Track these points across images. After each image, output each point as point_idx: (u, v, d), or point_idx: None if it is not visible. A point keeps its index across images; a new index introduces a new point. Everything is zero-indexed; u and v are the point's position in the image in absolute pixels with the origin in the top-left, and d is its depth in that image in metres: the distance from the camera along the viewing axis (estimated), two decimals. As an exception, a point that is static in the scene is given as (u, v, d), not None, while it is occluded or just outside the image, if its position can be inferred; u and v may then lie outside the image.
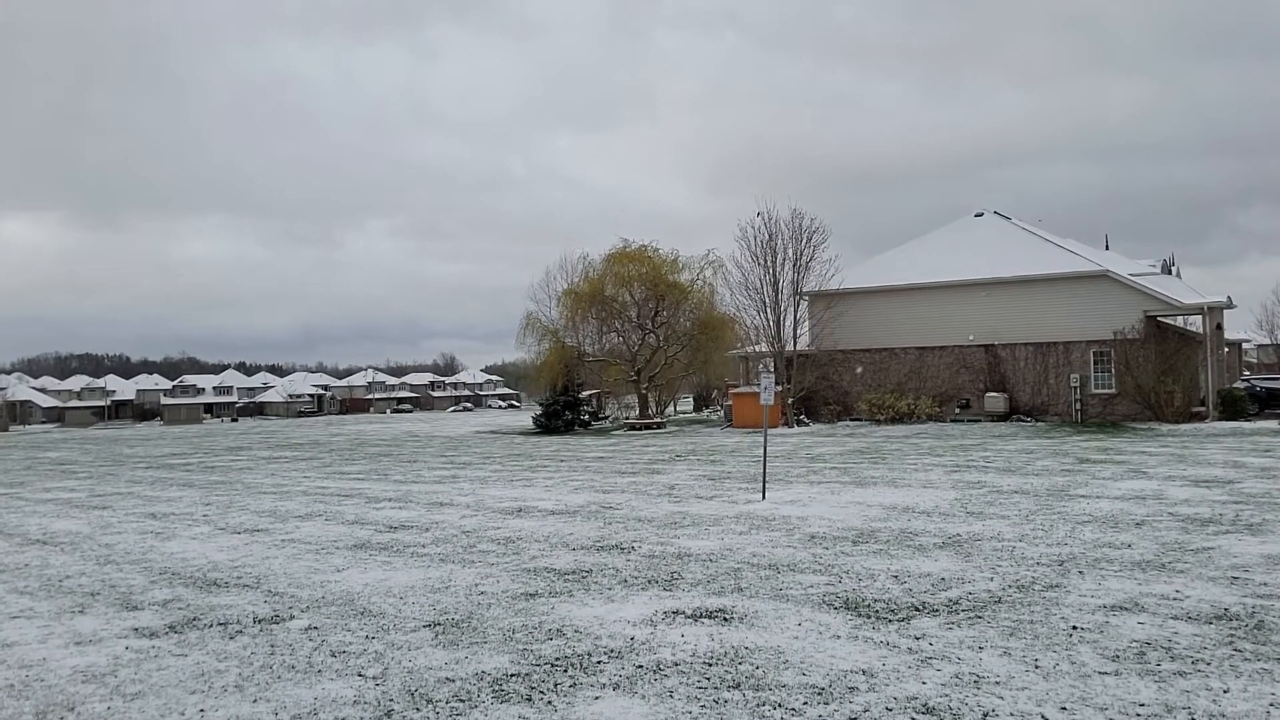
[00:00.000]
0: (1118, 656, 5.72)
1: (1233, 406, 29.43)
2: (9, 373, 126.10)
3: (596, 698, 5.31)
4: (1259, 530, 9.90)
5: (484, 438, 36.62)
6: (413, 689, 5.58)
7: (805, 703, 5.10)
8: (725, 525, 11.40)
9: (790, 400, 33.90)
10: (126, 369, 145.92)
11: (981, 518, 11.32)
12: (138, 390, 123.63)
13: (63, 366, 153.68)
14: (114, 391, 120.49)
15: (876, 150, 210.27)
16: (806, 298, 35.93)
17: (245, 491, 18.04)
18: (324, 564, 9.80)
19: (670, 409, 47.76)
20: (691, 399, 59.49)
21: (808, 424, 33.89)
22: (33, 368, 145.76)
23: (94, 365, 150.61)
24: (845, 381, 35.93)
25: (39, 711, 5.46)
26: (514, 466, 21.64)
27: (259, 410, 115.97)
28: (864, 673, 5.57)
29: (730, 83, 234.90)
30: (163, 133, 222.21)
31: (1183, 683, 5.23)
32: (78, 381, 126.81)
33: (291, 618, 7.45)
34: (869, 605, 7.17)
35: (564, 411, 38.84)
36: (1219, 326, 32.07)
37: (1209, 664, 5.54)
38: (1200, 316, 31.53)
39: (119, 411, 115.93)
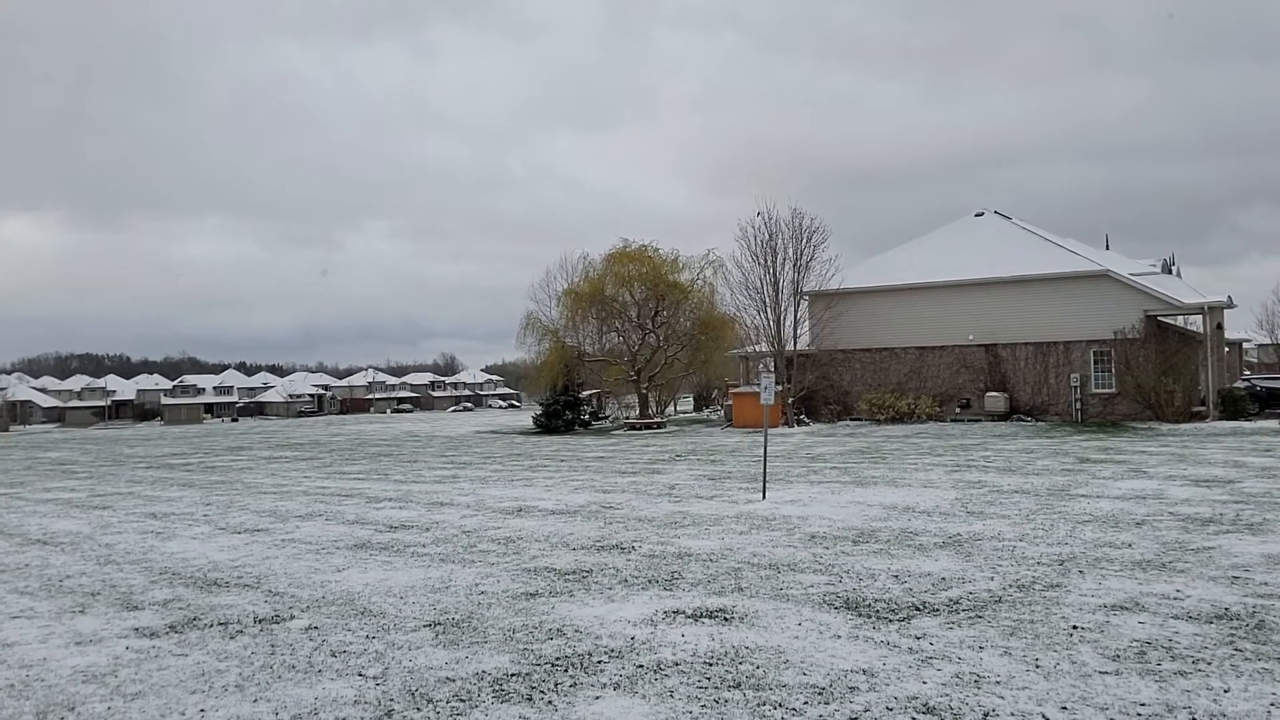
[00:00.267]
0: (1118, 656, 5.72)
1: (1233, 406, 29.43)
2: (9, 373, 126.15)
3: (597, 697, 5.31)
4: (1259, 530, 9.90)
5: (484, 437, 36.62)
6: (413, 689, 5.58)
7: (806, 702, 5.10)
8: (725, 525, 11.40)
9: (790, 400, 33.90)
10: (127, 369, 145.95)
11: (982, 517, 11.32)
12: (138, 390, 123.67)
13: (63, 366, 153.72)
14: (114, 391, 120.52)
15: (876, 150, 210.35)
16: (806, 297, 35.93)
17: (246, 491, 18.04)
18: (324, 564, 9.80)
19: (670, 409, 47.76)
20: (691, 399, 59.48)
21: (808, 424, 33.89)
22: (33, 368, 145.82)
23: (94, 365, 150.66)
24: (845, 381, 35.93)
25: (39, 711, 5.46)
26: (514, 466, 21.64)
27: (259, 410, 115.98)
28: (864, 672, 5.57)
29: (730, 83, 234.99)
30: (163, 133, 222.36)
31: (1183, 682, 5.23)
32: (78, 381, 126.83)
33: (292, 617, 7.45)
34: (869, 605, 7.17)
35: (564, 411, 38.85)
36: (1219, 326, 32.06)
37: (1210, 664, 5.53)
38: (1200, 316, 31.52)
39: (119, 412, 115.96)
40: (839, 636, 6.34)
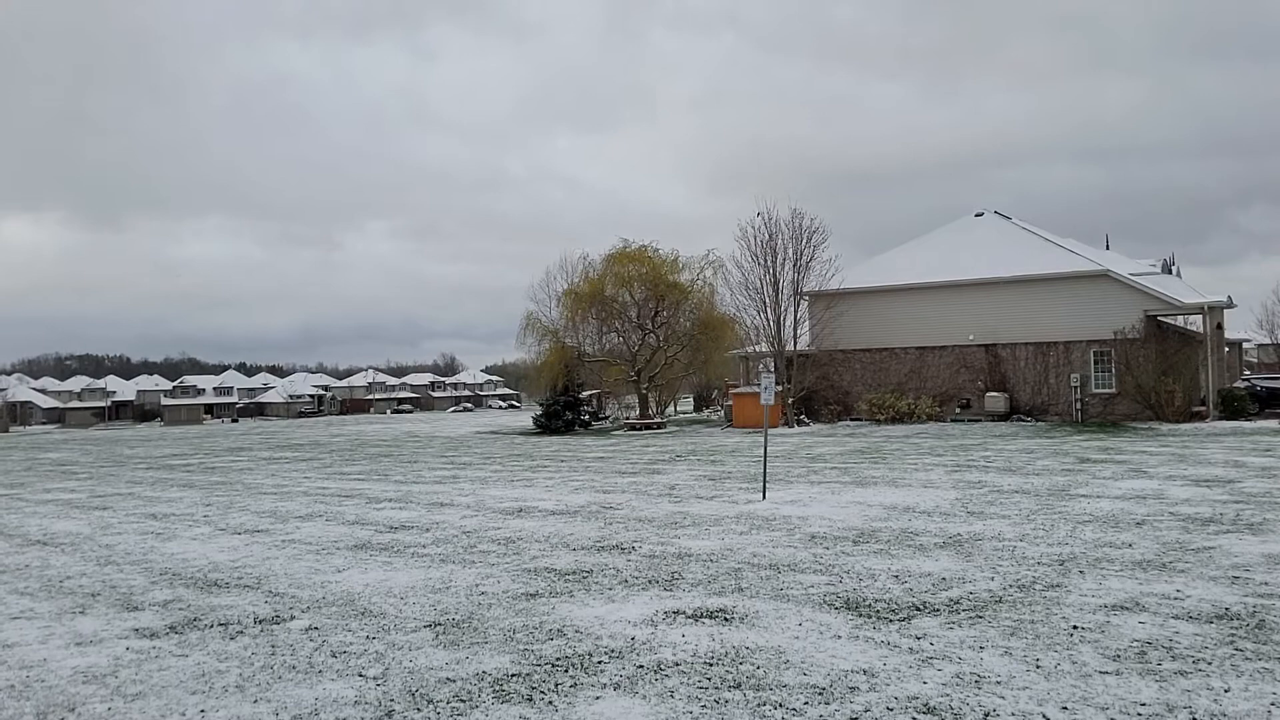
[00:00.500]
0: (1119, 656, 5.72)
1: (1233, 406, 29.42)
2: (9, 374, 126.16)
3: (597, 698, 5.31)
4: (1260, 530, 9.89)
5: (484, 438, 36.62)
6: (413, 689, 5.57)
7: (806, 703, 5.10)
8: (726, 525, 11.40)
9: (790, 400, 33.89)
10: (127, 370, 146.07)
11: (982, 517, 11.32)
12: (138, 391, 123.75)
13: (63, 367, 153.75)
14: (114, 392, 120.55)
15: (876, 150, 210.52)
16: (806, 298, 35.92)
17: (246, 492, 18.04)
18: (324, 564, 9.80)
19: (670, 409, 47.75)
20: (691, 399, 59.47)
21: (808, 424, 33.89)
22: (33, 368, 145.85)
23: (94, 366, 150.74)
24: (845, 381, 35.92)
25: (40, 712, 5.46)
26: (514, 467, 21.64)
27: (259, 411, 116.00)
28: (865, 672, 5.56)
29: (729, 83, 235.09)
30: (163, 133, 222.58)
31: (1184, 682, 5.23)
32: (78, 382, 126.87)
33: (292, 618, 7.45)
34: (870, 605, 7.17)
35: (564, 412, 38.84)
36: (1219, 326, 32.06)
37: (1210, 663, 5.53)
38: (1200, 316, 31.52)
39: (119, 412, 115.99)
40: (839, 637, 6.34)
